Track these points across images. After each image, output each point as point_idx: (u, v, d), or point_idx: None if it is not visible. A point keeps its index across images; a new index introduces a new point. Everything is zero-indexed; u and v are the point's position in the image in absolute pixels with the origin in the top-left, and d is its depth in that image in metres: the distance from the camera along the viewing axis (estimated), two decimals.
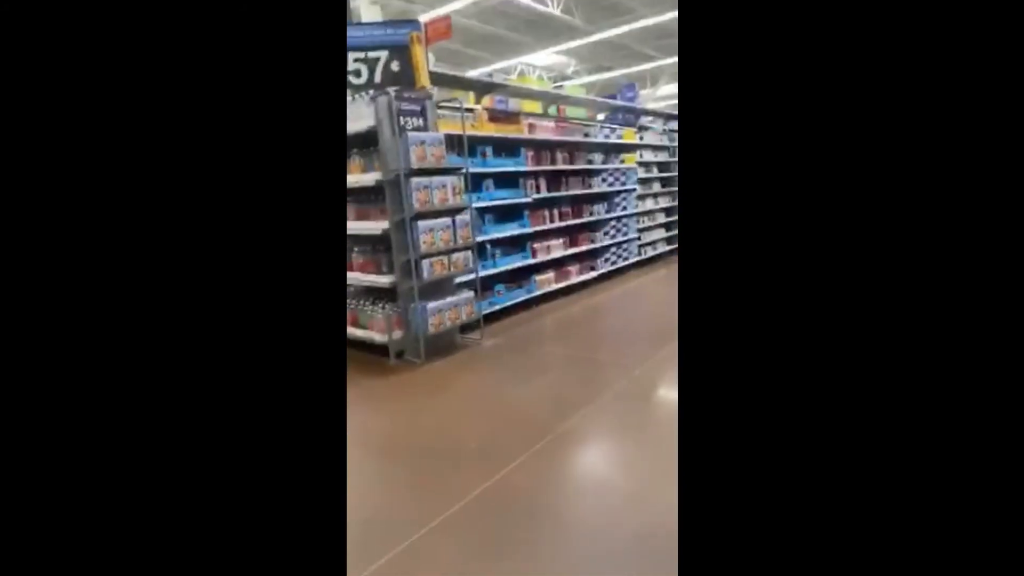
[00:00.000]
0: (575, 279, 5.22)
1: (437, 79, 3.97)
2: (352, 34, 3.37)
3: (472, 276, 3.82)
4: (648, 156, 6.77)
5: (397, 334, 3.47)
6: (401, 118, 3.31)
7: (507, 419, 2.53)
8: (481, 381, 3.11)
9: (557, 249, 4.99)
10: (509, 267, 4.45)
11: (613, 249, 5.87)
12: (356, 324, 3.68)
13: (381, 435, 2.48)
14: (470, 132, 3.94)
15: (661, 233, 7.00)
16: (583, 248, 5.35)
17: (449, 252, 3.52)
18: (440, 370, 3.31)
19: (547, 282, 4.86)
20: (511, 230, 4.47)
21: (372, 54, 3.43)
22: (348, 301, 3.79)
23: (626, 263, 6.10)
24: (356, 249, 3.71)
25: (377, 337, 3.50)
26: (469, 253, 3.69)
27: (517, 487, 1.94)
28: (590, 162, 5.47)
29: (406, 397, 2.94)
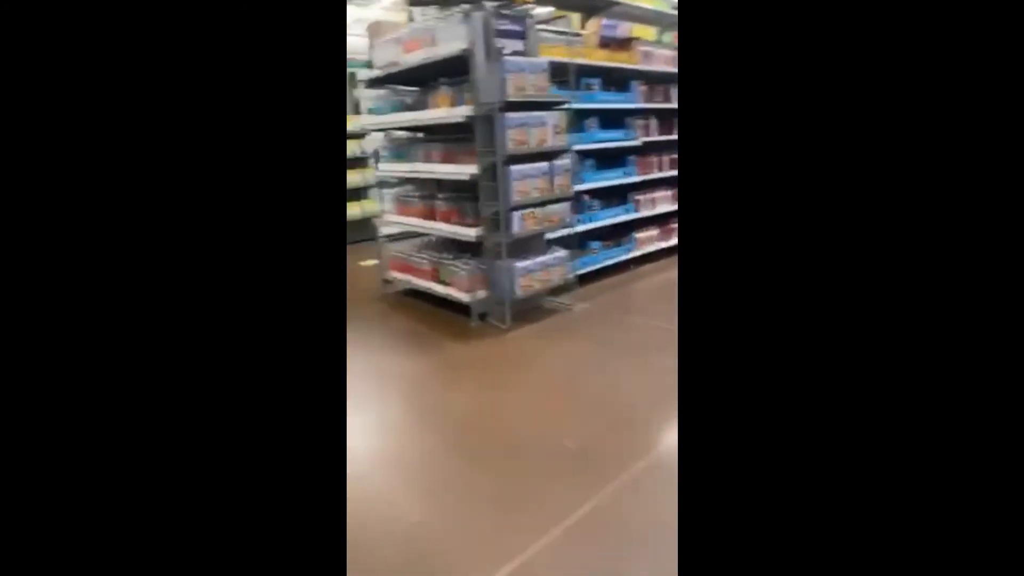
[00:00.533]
0: None
1: None
2: None
3: (567, 232, 3.33)
4: None
5: (480, 294, 3.10)
6: (498, 40, 2.77)
7: (610, 412, 2.10)
8: (575, 357, 2.68)
9: (664, 203, 4.33)
10: (609, 222, 3.89)
11: None
12: (436, 279, 3.35)
13: (461, 418, 2.15)
14: (577, 60, 3.33)
15: None
16: None
17: (544, 203, 3.04)
18: (527, 339, 2.92)
19: (649, 240, 4.26)
20: (614, 178, 3.87)
21: None
22: (429, 253, 3.45)
23: None
24: (440, 196, 3.33)
25: (458, 295, 3.15)
26: (567, 205, 3.18)
27: (630, 514, 1.52)
28: None
29: (490, 370, 2.58)
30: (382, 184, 4.04)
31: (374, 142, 5.09)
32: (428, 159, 3.33)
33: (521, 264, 2.97)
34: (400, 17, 5.65)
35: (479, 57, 2.75)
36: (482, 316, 3.13)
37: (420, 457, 1.89)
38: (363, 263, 4.62)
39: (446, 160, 3.22)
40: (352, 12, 8.01)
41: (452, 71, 2.98)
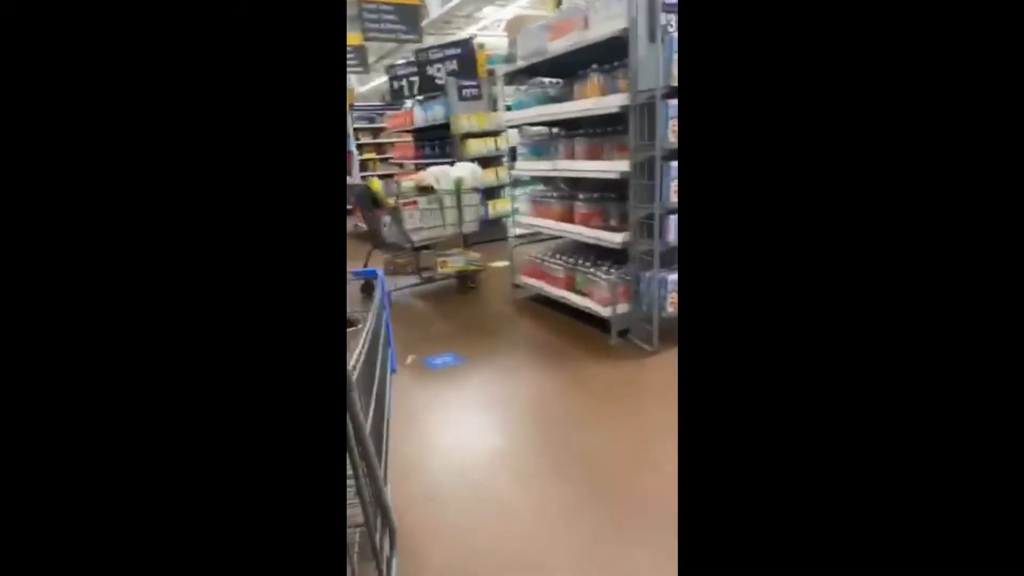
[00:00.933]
0: None
1: None
2: None
3: None
4: None
5: (622, 308, 2.73)
6: (663, 15, 2.38)
7: None
8: None
9: None
10: None
11: None
12: (572, 288, 3.05)
13: (605, 465, 1.81)
14: None
15: None
16: None
17: None
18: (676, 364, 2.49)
19: None
20: None
21: None
22: (564, 258, 3.16)
23: None
24: (581, 196, 3.02)
25: (597, 308, 2.82)
26: None
27: None
28: None
29: (635, 402, 2.21)
30: (516, 183, 3.85)
31: (512, 140, 4.96)
32: (570, 156, 3.04)
33: (675, 277, 2.55)
34: (542, 12, 5.46)
35: (640, 36, 2.38)
36: (622, 333, 2.76)
37: (565, 517, 1.59)
38: (492, 264, 4.49)
39: (591, 156, 2.90)
40: (491, 13, 8.06)
41: (605, 57, 2.65)
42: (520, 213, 3.59)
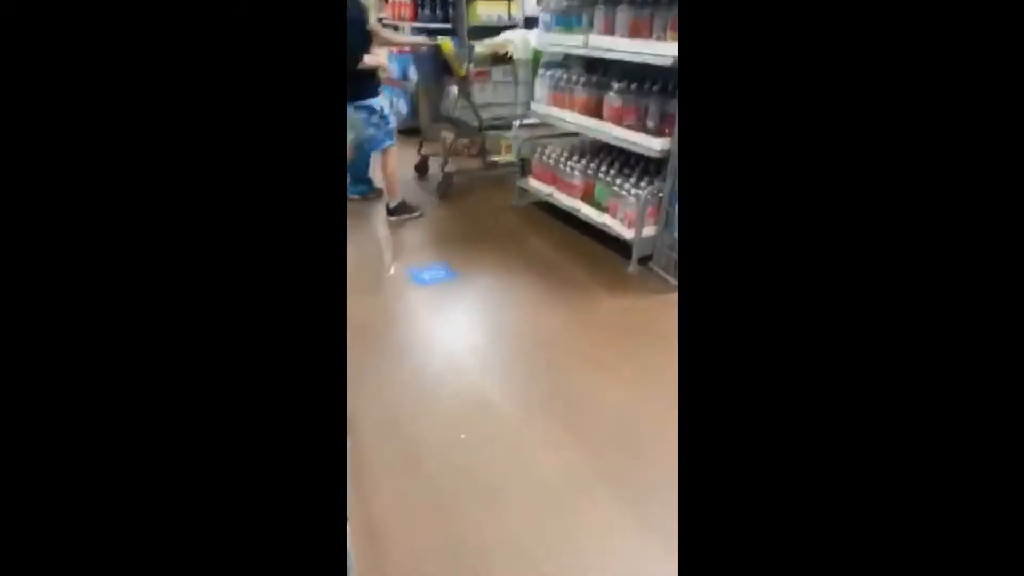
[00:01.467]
0: None
1: None
2: None
3: None
4: None
5: (648, 231, 2.31)
6: None
7: None
8: None
9: None
10: None
11: None
12: (589, 200, 2.58)
13: (617, 427, 1.51)
14: None
15: None
16: None
17: None
18: None
19: None
20: None
21: None
22: (584, 163, 2.64)
23: None
24: (616, 86, 2.43)
25: (618, 228, 2.39)
26: None
27: None
28: None
29: (655, 347, 1.87)
30: (537, 63, 3.18)
31: (529, 7, 4.13)
32: (608, 31, 2.40)
33: None
34: None
35: None
36: (643, 260, 2.36)
37: (567, 488, 1.30)
38: (496, 157, 3.93)
39: (633, 33, 2.28)
40: None
41: None
42: (535, 100, 2.99)
